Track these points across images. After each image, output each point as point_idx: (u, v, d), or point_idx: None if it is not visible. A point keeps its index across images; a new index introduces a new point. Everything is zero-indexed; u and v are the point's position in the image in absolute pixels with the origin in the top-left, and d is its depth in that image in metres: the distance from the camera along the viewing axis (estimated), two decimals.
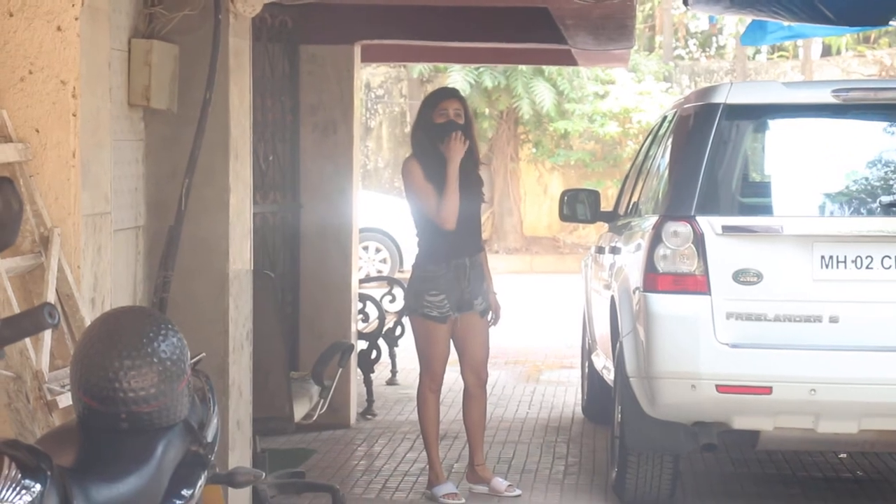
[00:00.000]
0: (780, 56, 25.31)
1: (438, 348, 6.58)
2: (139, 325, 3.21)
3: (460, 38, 9.05)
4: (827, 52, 24.88)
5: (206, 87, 5.45)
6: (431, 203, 6.50)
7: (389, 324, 9.70)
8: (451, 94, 6.74)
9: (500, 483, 6.69)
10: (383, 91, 22.79)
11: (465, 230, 6.52)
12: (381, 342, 9.41)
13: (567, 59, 9.74)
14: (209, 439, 3.38)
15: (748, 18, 9.28)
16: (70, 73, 4.27)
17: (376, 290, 10.23)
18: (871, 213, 6.08)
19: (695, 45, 27.66)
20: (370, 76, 22.36)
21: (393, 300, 10.09)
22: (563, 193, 8.12)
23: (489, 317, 6.70)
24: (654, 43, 25.77)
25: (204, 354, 3.67)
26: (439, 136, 6.49)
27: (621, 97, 21.11)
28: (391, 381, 10.07)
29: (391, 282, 10.53)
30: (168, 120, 5.49)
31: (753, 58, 25.17)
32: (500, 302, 6.79)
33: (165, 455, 3.16)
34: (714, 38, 27.46)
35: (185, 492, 3.20)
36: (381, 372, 9.86)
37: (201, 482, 3.29)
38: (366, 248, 17.97)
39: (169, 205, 5.46)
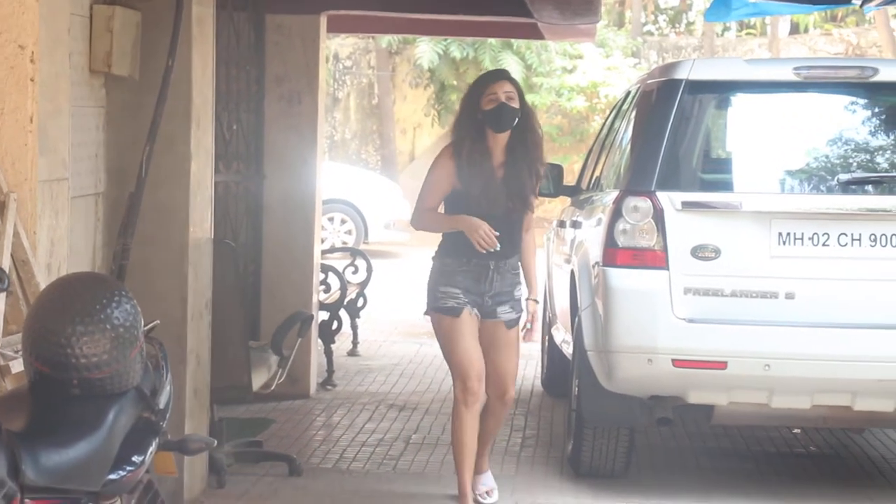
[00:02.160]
0: (748, 33, 25.38)
1: (462, 346, 5.69)
2: (92, 291, 3.21)
3: (428, 10, 9.04)
4: (795, 30, 24.96)
5: (169, 54, 5.43)
6: (426, 203, 5.79)
7: (351, 295, 9.72)
8: (499, 75, 5.85)
9: (482, 482, 6.05)
10: (351, 62, 22.73)
11: (498, 230, 5.69)
12: (343, 313, 9.42)
13: (534, 33, 9.74)
14: (161, 406, 3.39)
15: None
16: (28, 38, 4.26)
17: (340, 262, 10.23)
18: (829, 190, 6.12)
19: (664, 20, 27.70)
20: (338, 47, 22.29)
21: (356, 271, 10.11)
22: None
23: (522, 328, 5.96)
24: (623, 18, 25.78)
25: (158, 322, 3.67)
26: (491, 122, 5.68)
27: (589, 72, 21.13)
28: (352, 353, 10.09)
29: (354, 253, 10.54)
30: (130, 87, 5.47)
31: (722, 35, 25.22)
32: (536, 303, 6.01)
33: (116, 421, 3.17)
34: (684, 15, 27.50)
35: (135, 458, 3.21)
36: (342, 343, 9.88)
37: (152, 449, 3.30)
38: (331, 220, 17.96)
39: (129, 172, 5.45)
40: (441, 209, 5.86)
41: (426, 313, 5.86)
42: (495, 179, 5.70)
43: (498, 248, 5.62)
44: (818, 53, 22.25)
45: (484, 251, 5.61)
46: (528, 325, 5.99)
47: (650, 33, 26.24)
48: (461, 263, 5.74)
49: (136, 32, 5.42)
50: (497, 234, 5.61)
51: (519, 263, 5.86)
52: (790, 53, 22.37)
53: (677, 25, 27.40)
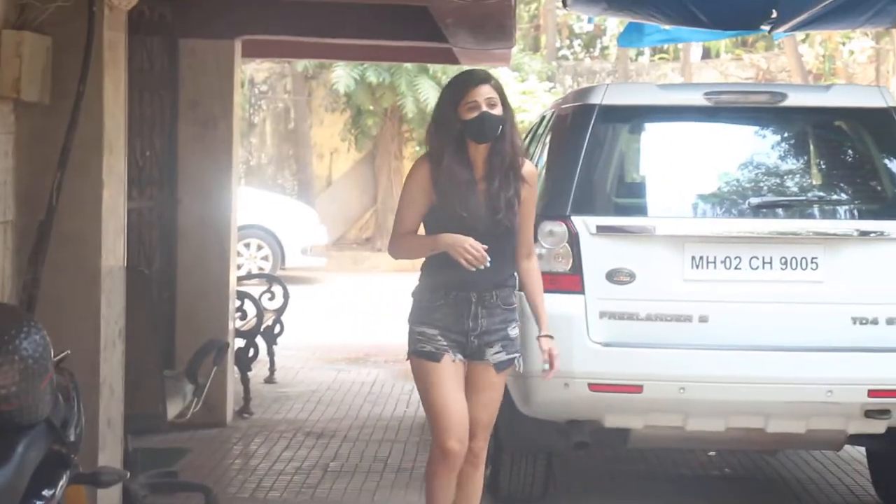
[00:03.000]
0: (661, 58, 25.66)
1: (441, 398, 4.95)
2: (0, 322, 3.16)
3: (343, 35, 9.02)
4: (707, 54, 25.27)
5: (80, 79, 5.36)
6: (403, 225, 5.06)
7: (268, 322, 9.65)
8: (479, 78, 5.02)
9: None
10: (267, 87, 22.64)
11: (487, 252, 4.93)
12: (260, 340, 9.36)
13: (449, 58, 9.76)
14: (72, 438, 3.34)
15: (627, 20, 9.40)
16: None
17: (257, 288, 10.17)
18: (740, 214, 6.19)
19: (579, 45, 27.91)
20: (254, 71, 22.20)
21: (272, 298, 10.04)
22: None
23: (517, 367, 5.20)
24: (539, 43, 25.95)
25: (69, 352, 3.62)
26: (473, 133, 4.98)
27: None
28: (269, 380, 10.02)
29: (271, 279, 10.47)
30: (40, 113, 5.40)
31: (636, 59, 25.47)
32: (550, 338, 5.15)
33: (26, 454, 3.12)
34: (598, 40, 27.74)
35: (45, 492, 3.16)
36: (259, 370, 9.81)
37: (63, 482, 3.25)
38: (247, 245, 17.84)
39: (39, 199, 5.36)
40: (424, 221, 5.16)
41: (407, 358, 5.13)
42: (477, 193, 5.00)
43: (488, 264, 4.87)
44: (729, 78, 22.54)
45: (473, 268, 4.87)
46: (546, 366, 5.11)
47: (565, 58, 26.43)
48: (439, 297, 5.01)
49: (47, 57, 5.35)
50: (486, 246, 4.89)
51: (514, 297, 5.08)
52: (702, 78, 22.64)
53: (592, 50, 27.64)
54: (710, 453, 7.61)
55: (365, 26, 8.65)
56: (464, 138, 5.00)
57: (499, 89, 5.00)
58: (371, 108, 21.23)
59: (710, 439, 6.29)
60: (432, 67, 20.26)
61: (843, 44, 21.47)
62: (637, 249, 6.08)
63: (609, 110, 6.28)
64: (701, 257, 6.07)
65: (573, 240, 6.06)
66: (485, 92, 4.97)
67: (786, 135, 6.57)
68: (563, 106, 6.74)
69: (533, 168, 5.22)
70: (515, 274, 5.13)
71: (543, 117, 7.58)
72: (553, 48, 25.08)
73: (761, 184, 6.38)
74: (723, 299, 6.04)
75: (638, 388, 5.94)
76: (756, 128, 6.58)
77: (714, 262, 6.06)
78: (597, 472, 7.24)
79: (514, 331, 5.10)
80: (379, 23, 8.59)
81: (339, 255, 21.00)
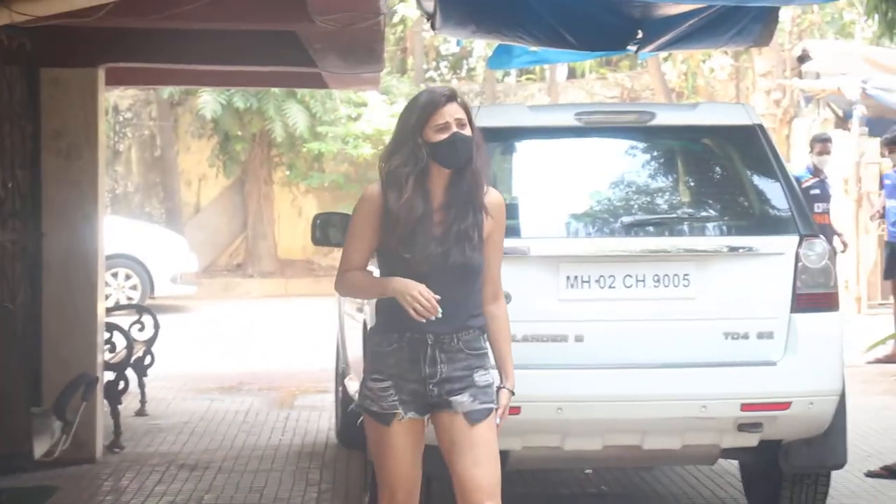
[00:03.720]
0: (528, 79, 25.87)
1: (387, 459, 4.49)
2: None
3: (209, 62, 8.90)
4: (572, 74, 25.56)
5: None
6: (349, 261, 4.51)
7: (138, 353, 9.46)
8: (446, 96, 4.48)
9: None
10: (132, 114, 22.31)
11: (436, 293, 4.36)
12: (130, 372, 9.16)
13: (318, 82, 9.70)
14: None
15: (495, 43, 9.44)
16: None
17: (125, 319, 9.96)
18: (613, 232, 6.22)
19: (446, 67, 28.03)
20: (118, 99, 21.86)
21: (142, 328, 9.84)
22: (316, 217, 8.06)
23: (496, 416, 4.51)
24: (406, 65, 26.00)
25: None
26: (442, 157, 4.42)
27: (374, 119, 21.20)
28: (140, 412, 9.81)
29: (140, 309, 10.27)
30: None
31: (503, 80, 25.65)
32: (510, 394, 4.58)
33: None
34: (465, 61, 27.88)
35: None
36: (130, 403, 9.60)
37: None
38: (115, 275, 17.51)
39: None
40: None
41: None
42: (430, 227, 4.42)
43: (440, 315, 4.31)
44: (595, 97, 22.82)
45: (423, 320, 4.32)
46: (497, 421, 4.49)
47: (433, 79, 26.52)
48: (392, 340, 4.43)
49: None
50: (437, 297, 4.33)
51: (482, 340, 4.51)
52: (568, 98, 22.89)
53: (459, 71, 27.76)
54: (588, 471, 7.63)
55: (231, 52, 8.55)
56: (426, 165, 4.42)
57: (466, 108, 4.49)
58: (239, 133, 21.03)
59: (587, 458, 6.30)
60: (300, 92, 20.16)
61: (704, 62, 21.88)
62: (512, 271, 6.03)
63: (482, 132, 6.25)
64: (576, 277, 6.08)
65: None
66: (453, 111, 4.44)
67: (655, 153, 6.63)
68: None
69: (499, 197, 4.56)
70: (482, 315, 4.53)
71: None
72: (420, 70, 25.14)
73: (633, 202, 6.42)
74: (598, 318, 6.05)
75: (516, 410, 5.87)
76: (626, 147, 6.63)
77: (588, 282, 6.08)
78: None
79: (483, 377, 4.44)
80: (245, 48, 8.50)
81: (209, 282, 20.75)
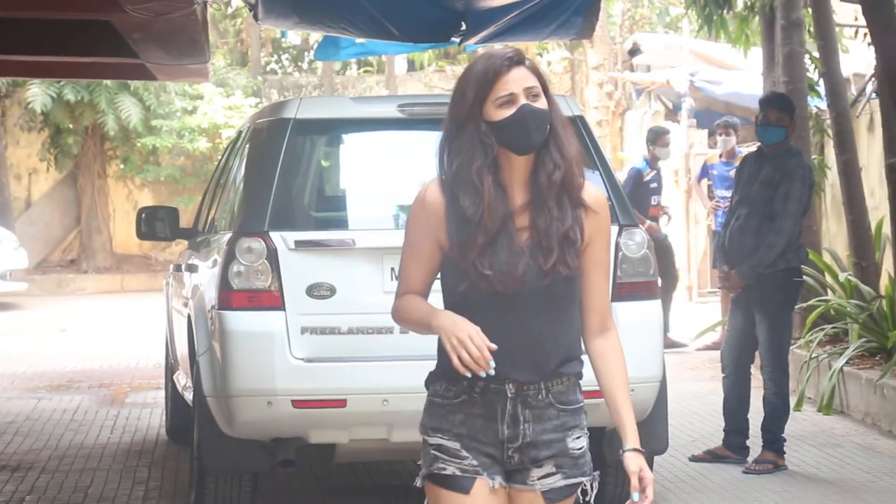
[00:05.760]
0: (366, 71, 25.85)
1: None
2: None
3: (35, 52, 8.69)
4: (412, 67, 25.61)
5: None
6: (404, 283, 3.44)
7: None
8: (511, 60, 3.34)
9: None
10: None
11: (520, 326, 3.34)
12: None
13: (145, 74, 9.54)
14: None
15: (322, 34, 9.40)
16: None
17: None
18: None
19: (287, 59, 27.85)
20: None
21: None
22: (140, 211, 7.98)
23: (584, 498, 3.44)
24: (247, 57, 25.74)
25: None
26: (510, 139, 3.32)
27: (210, 112, 20.97)
28: None
29: None
30: None
31: (344, 73, 25.59)
32: (643, 469, 3.35)
33: None
34: (305, 53, 27.73)
35: None
36: None
37: None
38: None
39: None
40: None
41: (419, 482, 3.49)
42: (514, 235, 3.35)
43: (492, 372, 3.24)
44: (434, 89, 22.89)
45: (467, 374, 3.25)
46: (635, 497, 3.33)
47: (274, 72, 26.32)
48: (460, 391, 3.36)
49: None
50: (494, 346, 3.23)
51: (578, 392, 3.41)
52: (407, 90, 22.92)
53: (300, 64, 27.61)
54: (419, 462, 7.63)
55: (53, 42, 8.35)
56: (494, 152, 3.33)
57: (538, 73, 3.37)
58: (71, 126, 20.59)
59: (415, 449, 6.24)
60: (134, 84, 19.83)
61: (541, 55, 22.10)
62: (337, 263, 6.05)
63: (304, 124, 6.24)
64: None
65: (272, 256, 5.99)
66: (521, 78, 3.32)
67: None
68: (259, 121, 6.66)
69: (600, 192, 3.46)
70: (583, 356, 3.43)
71: (241, 132, 7.48)
72: (258, 62, 24.92)
73: None
74: None
75: (342, 403, 5.91)
76: None
77: None
78: (305, 490, 7.18)
79: (576, 442, 3.38)
80: (66, 38, 8.30)
81: (42, 278, 20.30)
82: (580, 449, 3.38)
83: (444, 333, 3.26)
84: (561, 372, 3.35)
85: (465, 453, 3.34)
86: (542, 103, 3.33)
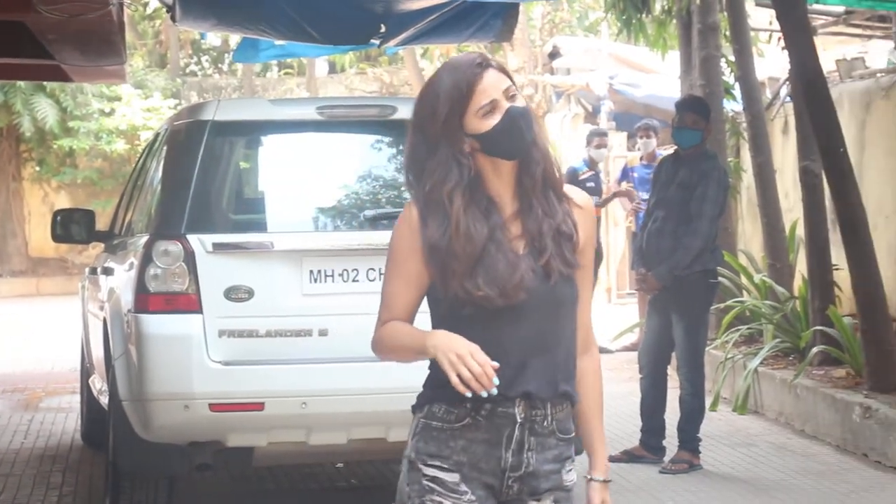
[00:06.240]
0: (287, 73, 25.76)
1: None
2: None
3: None
4: (333, 69, 25.56)
5: None
6: (387, 309, 3.18)
7: None
8: (480, 66, 3.12)
9: None
10: None
11: (534, 336, 3.11)
12: None
13: (61, 75, 9.43)
14: None
15: (241, 36, 9.35)
16: None
17: None
18: (357, 226, 6.24)
19: (207, 61, 27.68)
20: None
21: None
22: (56, 214, 7.88)
23: None
24: (166, 59, 25.54)
25: None
26: (499, 146, 3.10)
27: (128, 114, 20.79)
28: None
29: None
30: None
31: (264, 75, 25.48)
32: (604, 486, 3.25)
33: None
34: (226, 55, 27.58)
35: None
36: None
37: None
38: None
39: None
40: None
41: None
42: (507, 244, 3.11)
43: (494, 391, 2.99)
44: (355, 92, 22.88)
45: (468, 393, 2.98)
46: None
47: (194, 74, 26.14)
48: (462, 414, 3.10)
49: None
50: (496, 364, 2.99)
51: (571, 421, 3.21)
52: (327, 92, 22.87)
53: (220, 65, 27.45)
54: (339, 465, 7.64)
55: None
56: (476, 163, 3.11)
57: (506, 72, 3.17)
58: None
59: (334, 452, 6.30)
60: (50, 85, 19.60)
61: None
62: (255, 266, 6.03)
63: (222, 126, 6.21)
64: (319, 271, 6.07)
65: (189, 258, 5.95)
66: (497, 81, 3.10)
67: (400, 147, 6.66)
68: (177, 122, 6.61)
69: (584, 195, 3.27)
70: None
71: (158, 134, 7.42)
72: (176, 64, 24.74)
73: (377, 195, 6.45)
74: (342, 312, 6.05)
75: (259, 406, 5.89)
76: (370, 141, 6.65)
77: (332, 276, 6.08)
78: (222, 494, 7.13)
79: (569, 475, 3.19)
80: None
81: None
82: (571, 485, 3.19)
83: (441, 351, 3.00)
84: (566, 392, 3.13)
85: (463, 487, 3.09)
86: (520, 102, 3.14)
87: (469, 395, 2.96)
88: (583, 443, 3.23)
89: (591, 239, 3.20)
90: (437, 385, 3.09)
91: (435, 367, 3.07)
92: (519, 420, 3.08)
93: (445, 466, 3.09)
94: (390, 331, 3.15)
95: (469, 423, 3.08)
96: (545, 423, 3.10)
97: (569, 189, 3.19)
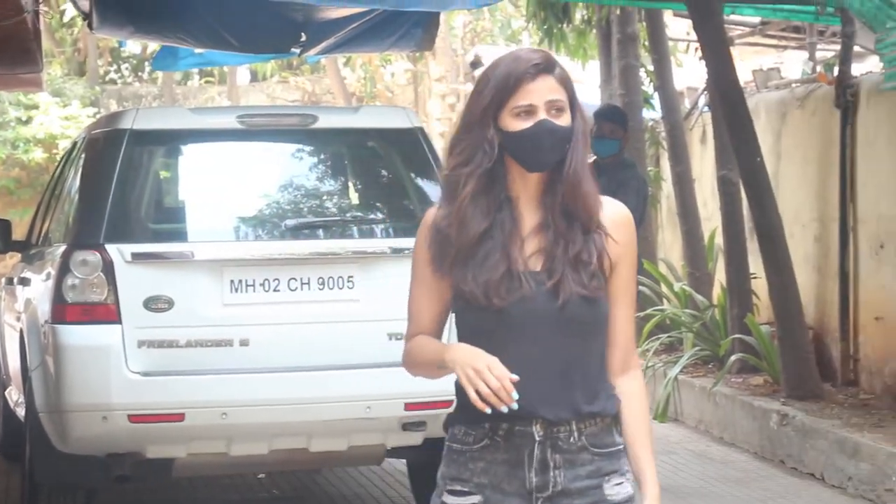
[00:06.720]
0: (208, 82, 25.60)
1: None
2: None
3: None
4: (255, 78, 25.43)
5: None
6: (412, 324, 3.08)
7: None
8: (538, 66, 2.98)
9: None
10: None
11: (543, 357, 2.96)
12: None
13: None
14: None
15: (160, 44, 9.29)
16: None
17: None
18: (278, 236, 6.22)
19: (128, 69, 27.43)
20: None
21: None
22: None
23: None
24: (85, 67, 25.28)
25: None
26: (521, 153, 2.98)
27: (46, 122, 20.54)
28: None
29: None
30: None
31: (185, 83, 25.29)
32: None
33: None
34: (146, 63, 27.36)
35: None
36: None
37: None
38: None
39: None
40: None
41: None
42: (523, 254, 3.00)
43: (515, 406, 2.86)
44: (276, 100, 22.78)
45: (487, 410, 2.86)
46: None
47: (113, 82, 25.89)
48: (481, 435, 2.99)
49: None
50: (515, 378, 2.87)
51: (615, 432, 3.03)
52: (249, 100, 22.76)
53: (140, 73, 27.21)
54: (260, 476, 7.60)
55: None
56: (502, 165, 3.00)
57: (568, 85, 3.01)
58: None
59: (255, 462, 6.27)
60: None
61: (384, 66, 22.17)
62: (175, 276, 5.99)
63: (141, 135, 6.17)
64: (240, 281, 6.05)
65: (108, 268, 5.90)
66: (545, 88, 2.97)
67: (321, 156, 6.66)
68: (94, 131, 6.56)
69: (624, 212, 3.14)
70: (614, 392, 3.04)
71: (76, 142, 7.35)
72: (96, 72, 24.50)
73: (299, 205, 6.44)
74: (263, 322, 6.04)
75: (179, 417, 5.85)
76: (291, 150, 6.65)
77: (253, 286, 6.06)
78: None
79: (616, 489, 3.00)
80: None
81: None
82: (623, 495, 2.98)
83: (459, 366, 2.89)
84: (594, 412, 2.97)
85: None
86: (564, 119, 2.98)
87: (489, 411, 2.86)
88: (632, 468, 3.03)
89: (628, 252, 3.06)
90: (458, 407, 3.00)
91: (457, 387, 2.94)
92: (538, 439, 2.95)
93: (466, 490, 2.99)
94: (415, 346, 3.07)
95: (488, 444, 2.98)
96: (571, 440, 2.96)
97: (605, 201, 3.07)
